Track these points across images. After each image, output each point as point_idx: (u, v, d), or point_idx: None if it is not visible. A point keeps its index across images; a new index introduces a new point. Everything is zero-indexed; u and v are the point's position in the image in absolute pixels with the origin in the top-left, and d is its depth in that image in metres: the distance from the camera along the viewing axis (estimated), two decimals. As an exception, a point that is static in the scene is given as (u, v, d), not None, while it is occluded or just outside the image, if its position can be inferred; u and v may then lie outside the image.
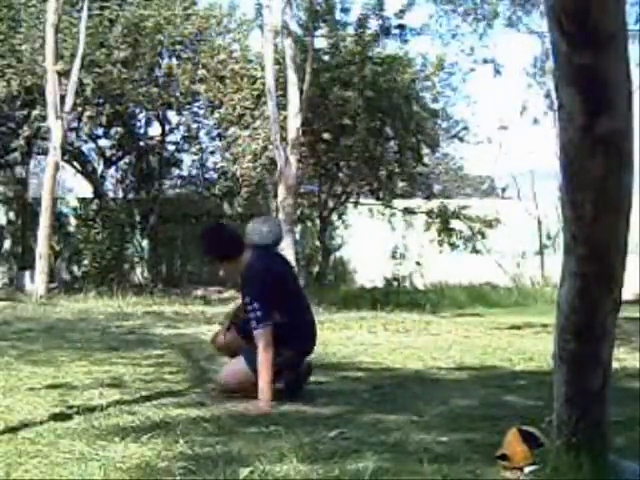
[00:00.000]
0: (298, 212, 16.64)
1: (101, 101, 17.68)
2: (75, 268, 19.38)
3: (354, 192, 18.02)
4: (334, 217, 18.91)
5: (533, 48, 28.06)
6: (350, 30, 16.32)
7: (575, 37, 2.65)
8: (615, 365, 3.87)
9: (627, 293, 3.94)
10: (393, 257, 18.56)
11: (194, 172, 20.50)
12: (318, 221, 18.30)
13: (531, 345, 7.95)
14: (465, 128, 18.92)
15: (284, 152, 13.83)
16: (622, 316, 3.28)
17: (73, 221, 19.66)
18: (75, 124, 17.77)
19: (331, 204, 18.01)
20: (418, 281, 18.42)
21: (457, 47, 17.86)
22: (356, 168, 16.94)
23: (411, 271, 18.31)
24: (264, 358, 4.59)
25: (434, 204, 17.19)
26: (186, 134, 19.64)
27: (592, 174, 2.80)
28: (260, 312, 4.64)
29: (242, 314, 4.96)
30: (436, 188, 26.15)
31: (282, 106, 14.46)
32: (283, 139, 14.07)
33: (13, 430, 3.82)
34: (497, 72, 17.98)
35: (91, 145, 19.96)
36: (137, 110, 19.20)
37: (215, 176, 19.98)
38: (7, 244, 19.94)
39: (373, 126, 16.00)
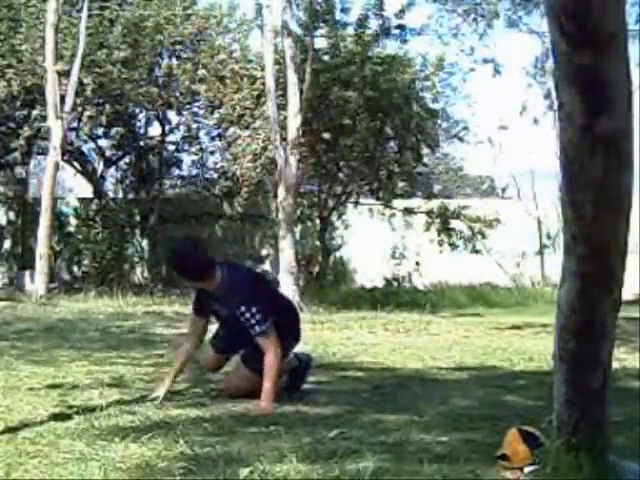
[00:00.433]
0: (298, 212, 16.63)
1: (101, 101, 17.68)
2: (75, 268, 19.39)
3: (354, 192, 17.98)
4: (334, 217, 18.89)
5: (533, 48, 28.03)
6: (350, 30, 16.28)
7: (575, 37, 2.65)
8: (615, 365, 3.86)
9: (627, 293, 3.94)
10: (393, 257, 18.57)
11: (194, 172, 20.51)
12: (318, 221, 18.25)
13: (531, 345, 7.95)
14: (465, 128, 18.93)
15: (284, 152, 13.81)
16: (622, 316, 3.28)
17: (73, 221, 19.66)
18: (75, 124, 17.75)
19: (331, 204, 17.98)
20: (418, 281, 18.40)
21: (457, 47, 17.91)
22: (356, 168, 16.91)
23: (411, 271, 18.32)
24: (274, 359, 4.59)
25: (434, 204, 17.15)
26: (186, 134, 19.62)
27: (592, 174, 2.80)
28: (259, 315, 4.65)
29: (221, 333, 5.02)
30: (436, 188, 26.17)
31: (282, 106, 14.44)
32: (283, 139, 14.05)
33: (13, 430, 3.83)
34: (497, 72, 18.01)
35: (91, 145, 19.99)
36: (137, 110, 19.22)
37: (215, 176, 19.99)
38: (7, 244, 19.95)
39: (373, 126, 15.97)
